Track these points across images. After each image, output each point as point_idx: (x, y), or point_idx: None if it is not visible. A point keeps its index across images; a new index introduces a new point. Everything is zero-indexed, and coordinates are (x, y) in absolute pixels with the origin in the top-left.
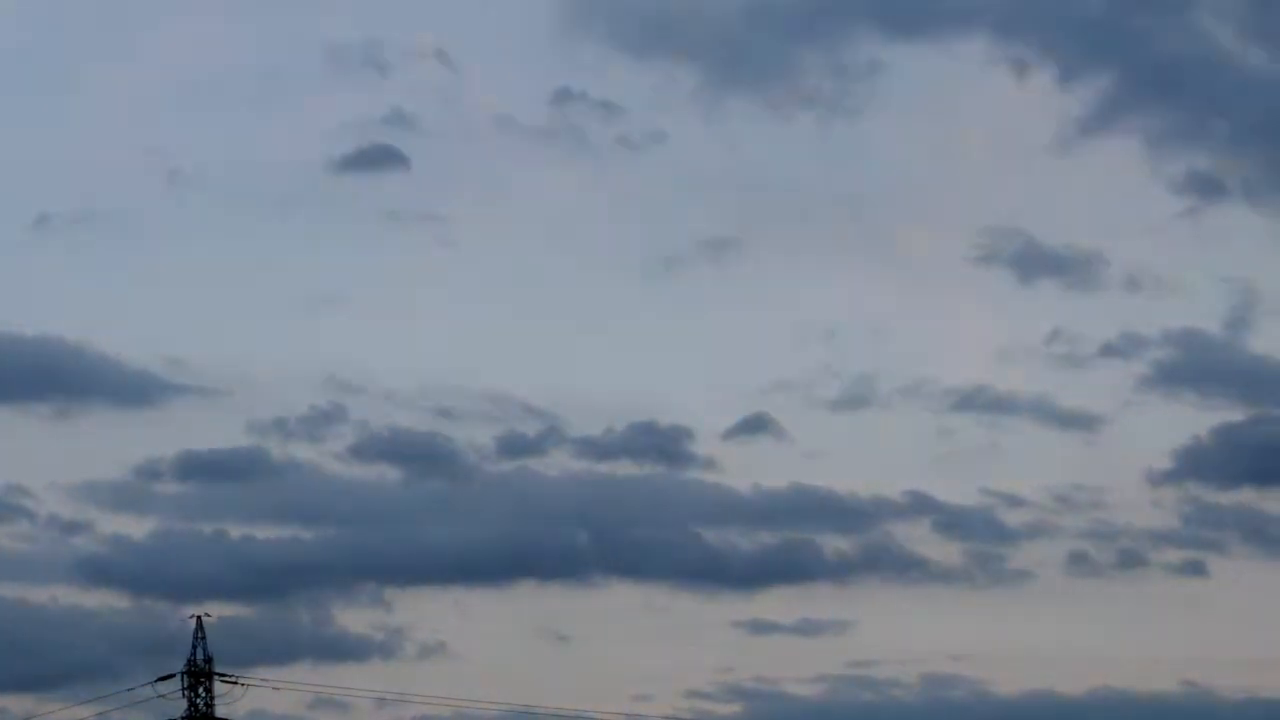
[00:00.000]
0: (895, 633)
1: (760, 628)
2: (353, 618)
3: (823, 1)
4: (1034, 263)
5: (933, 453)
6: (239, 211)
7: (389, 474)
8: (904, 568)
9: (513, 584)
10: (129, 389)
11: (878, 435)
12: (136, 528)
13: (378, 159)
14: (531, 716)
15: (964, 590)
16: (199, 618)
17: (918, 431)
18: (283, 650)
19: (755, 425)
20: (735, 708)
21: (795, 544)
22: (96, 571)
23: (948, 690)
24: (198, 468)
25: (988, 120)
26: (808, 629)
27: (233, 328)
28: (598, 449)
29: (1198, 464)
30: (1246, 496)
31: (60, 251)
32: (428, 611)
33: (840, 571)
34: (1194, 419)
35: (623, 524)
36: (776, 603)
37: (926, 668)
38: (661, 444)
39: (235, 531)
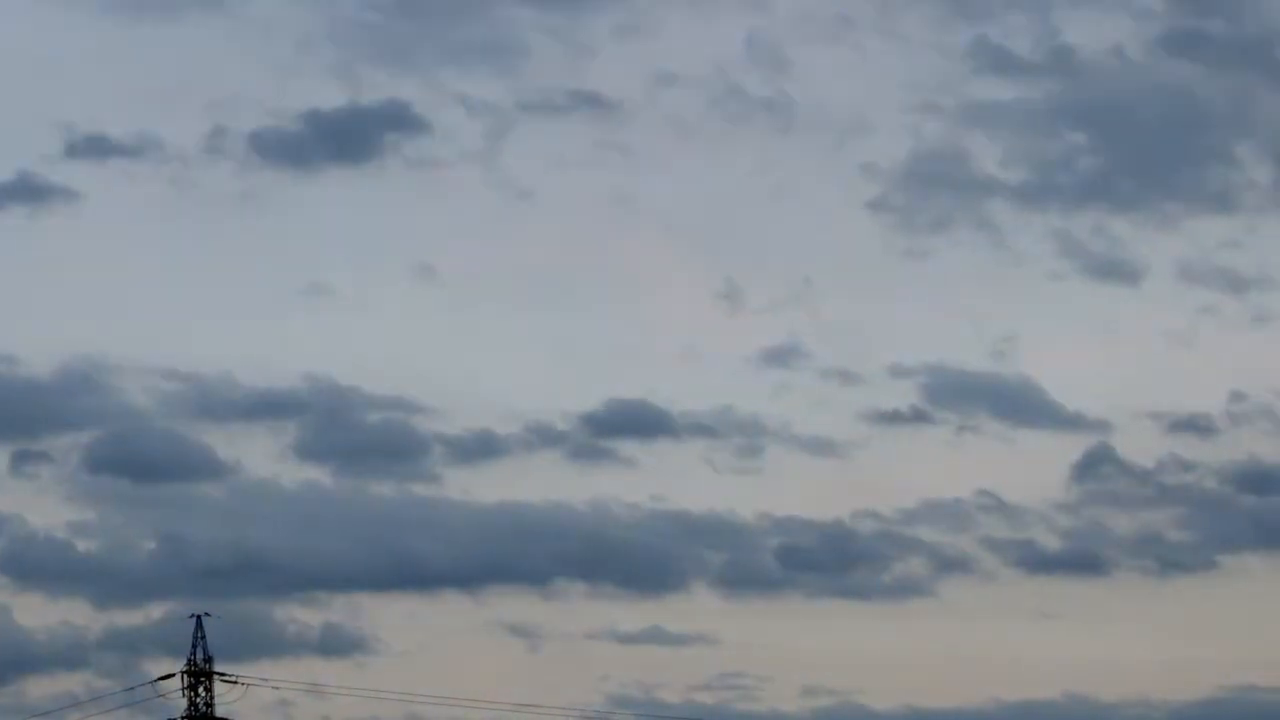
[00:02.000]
0: (768, 645)
1: (631, 638)
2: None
3: None
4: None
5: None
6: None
7: None
8: (770, 581)
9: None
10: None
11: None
12: (74, 526)
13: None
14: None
15: (833, 603)
16: (199, 617)
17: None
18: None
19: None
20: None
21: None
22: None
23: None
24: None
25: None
26: (677, 640)
27: (182, 324)
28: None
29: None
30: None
31: None
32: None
33: (707, 584)
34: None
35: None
36: (642, 614)
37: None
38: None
39: (175, 531)
